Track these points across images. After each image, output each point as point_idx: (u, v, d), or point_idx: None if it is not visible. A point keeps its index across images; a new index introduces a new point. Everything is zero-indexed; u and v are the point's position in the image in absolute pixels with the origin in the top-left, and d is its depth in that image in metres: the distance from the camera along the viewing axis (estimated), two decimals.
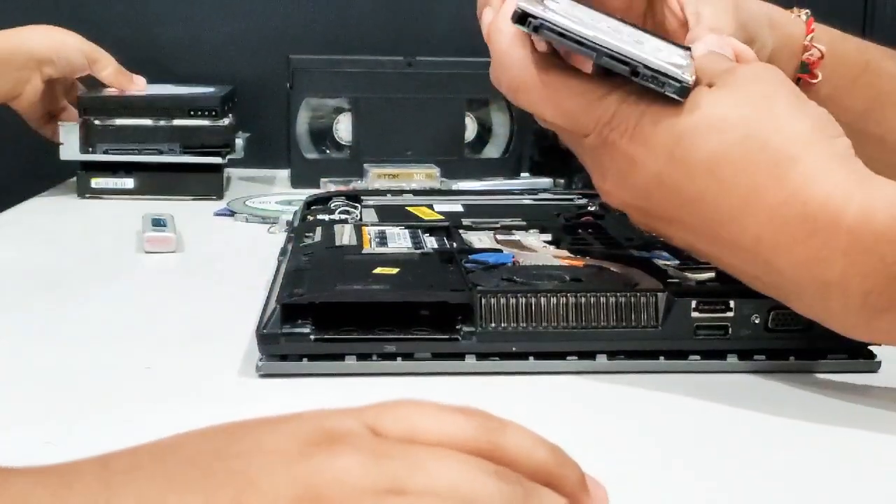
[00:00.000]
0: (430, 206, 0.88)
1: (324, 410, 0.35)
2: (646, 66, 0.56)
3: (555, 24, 0.57)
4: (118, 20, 1.40)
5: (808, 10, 0.83)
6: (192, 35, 1.42)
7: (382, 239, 0.73)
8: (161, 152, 1.14)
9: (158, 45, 1.41)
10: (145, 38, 1.41)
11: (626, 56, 0.56)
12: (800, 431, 0.51)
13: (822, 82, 0.83)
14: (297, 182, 1.21)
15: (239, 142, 1.17)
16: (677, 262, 0.67)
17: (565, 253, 0.70)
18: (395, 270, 0.63)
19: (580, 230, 0.79)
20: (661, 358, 0.58)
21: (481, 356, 0.58)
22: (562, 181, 1.12)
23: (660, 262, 0.67)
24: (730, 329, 0.58)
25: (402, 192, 0.99)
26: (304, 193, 0.99)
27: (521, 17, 0.57)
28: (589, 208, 0.88)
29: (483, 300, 0.58)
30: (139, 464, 0.33)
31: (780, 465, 0.48)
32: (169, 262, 0.85)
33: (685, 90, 0.55)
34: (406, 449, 0.34)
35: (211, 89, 1.23)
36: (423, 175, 1.14)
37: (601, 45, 0.56)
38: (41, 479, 0.33)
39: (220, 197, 1.13)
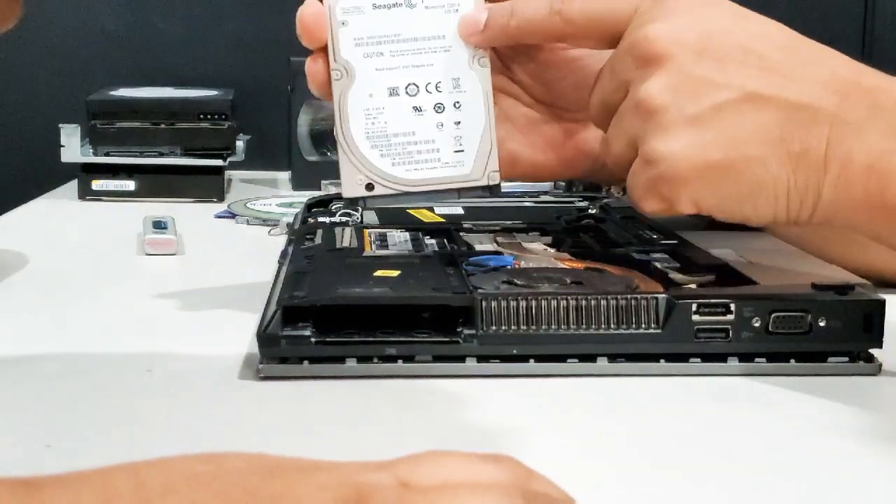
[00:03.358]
0: (431, 209, 0.88)
1: (358, 463, 0.37)
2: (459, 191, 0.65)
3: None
4: (118, 21, 1.40)
5: None
6: (193, 37, 1.42)
7: (383, 241, 0.73)
8: (162, 154, 1.14)
9: (159, 47, 1.41)
10: (146, 40, 1.41)
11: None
12: (800, 434, 0.51)
13: None
14: (297, 184, 1.21)
15: (240, 144, 1.17)
16: (678, 264, 0.67)
17: (566, 255, 0.70)
18: (395, 273, 0.63)
19: (581, 233, 0.79)
20: (662, 361, 0.58)
21: (482, 359, 0.58)
22: (562, 183, 1.12)
23: (660, 265, 0.67)
24: (730, 332, 0.58)
25: None
26: (305, 196, 0.99)
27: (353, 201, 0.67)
28: (589, 211, 0.88)
29: (484, 303, 0.57)
30: (174, 487, 0.34)
31: (781, 468, 0.48)
32: (169, 265, 0.84)
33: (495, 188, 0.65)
34: (429, 495, 0.35)
35: (214, 92, 1.23)
36: None
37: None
38: (76, 496, 0.34)
39: (220, 199, 1.13)
